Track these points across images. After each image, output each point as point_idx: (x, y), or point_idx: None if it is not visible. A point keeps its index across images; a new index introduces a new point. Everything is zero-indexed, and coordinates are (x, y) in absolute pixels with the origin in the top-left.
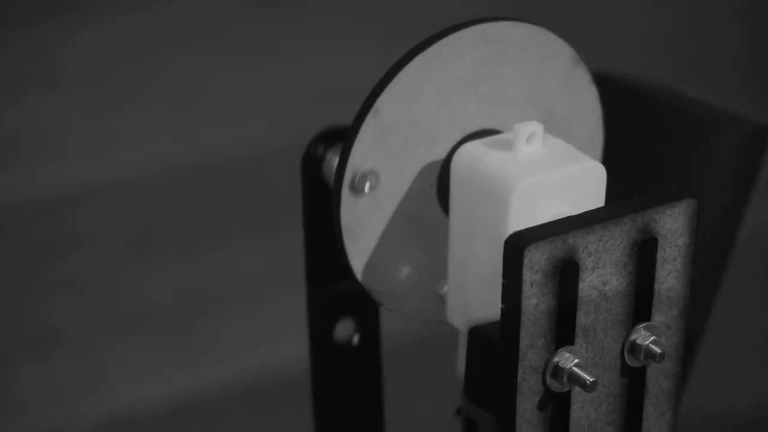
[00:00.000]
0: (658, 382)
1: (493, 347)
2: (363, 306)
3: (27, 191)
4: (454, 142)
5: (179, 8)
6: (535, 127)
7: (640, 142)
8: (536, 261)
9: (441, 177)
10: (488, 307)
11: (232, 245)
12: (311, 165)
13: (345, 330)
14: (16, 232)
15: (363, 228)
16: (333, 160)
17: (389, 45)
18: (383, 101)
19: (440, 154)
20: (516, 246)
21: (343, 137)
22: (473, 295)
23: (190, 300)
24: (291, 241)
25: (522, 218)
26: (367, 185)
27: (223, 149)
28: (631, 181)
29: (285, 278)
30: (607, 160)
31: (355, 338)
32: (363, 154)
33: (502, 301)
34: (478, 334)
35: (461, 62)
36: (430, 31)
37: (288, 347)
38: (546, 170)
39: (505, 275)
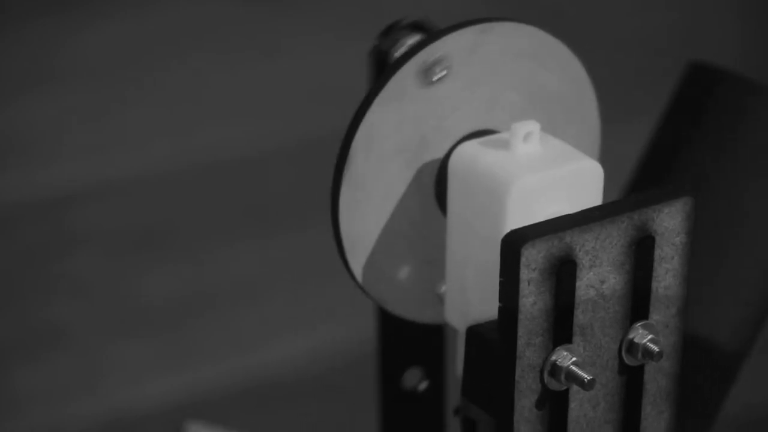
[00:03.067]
0: (655, 381)
1: (491, 346)
2: (430, 353)
3: (27, 191)
4: (452, 142)
5: (179, 8)
6: (532, 127)
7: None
8: (533, 259)
9: (439, 177)
10: (486, 306)
11: (232, 245)
12: (380, 57)
13: (413, 377)
14: (15, 232)
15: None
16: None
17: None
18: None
19: (438, 154)
20: (513, 244)
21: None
22: (471, 294)
23: (189, 300)
24: (290, 241)
25: (519, 217)
26: (439, 73)
27: (223, 149)
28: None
29: (285, 278)
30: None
31: (423, 385)
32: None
33: (500, 300)
34: (475, 333)
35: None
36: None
37: (287, 347)
38: (543, 169)
39: (502, 273)
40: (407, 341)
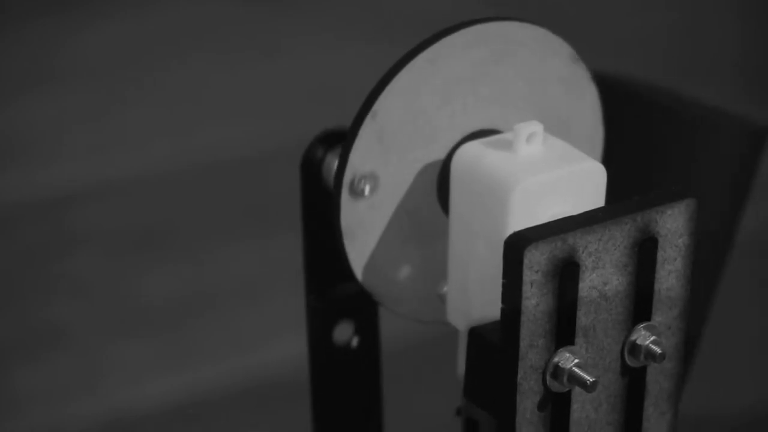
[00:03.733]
0: (658, 383)
1: (493, 347)
2: (362, 309)
3: (27, 191)
4: (454, 142)
5: (179, 8)
6: (535, 127)
7: (640, 143)
8: (536, 261)
9: (441, 177)
10: (488, 307)
11: (232, 245)
12: (310, 167)
13: (344, 333)
14: (15, 232)
15: (363, 229)
16: (332, 162)
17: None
18: (381, 104)
19: (440, 154)
20: (516, 246)
21: (342, 140)
22: (473, 295)
23: (189, 300)
24: (290, 241)
25: (522, 218)
26: (367, 188)
27: (223, 149)
28: (631, 182)
29: (284, 278)
30: (607, 161)
31: (355, 341)
32: (362, 157)
33: (502, 301)
34: (478, 334)
35: (460, 63)
36: (430, 30)
37: (287, 347)
38: (546, 170)
39: (505, 275)
40: (337, 296)
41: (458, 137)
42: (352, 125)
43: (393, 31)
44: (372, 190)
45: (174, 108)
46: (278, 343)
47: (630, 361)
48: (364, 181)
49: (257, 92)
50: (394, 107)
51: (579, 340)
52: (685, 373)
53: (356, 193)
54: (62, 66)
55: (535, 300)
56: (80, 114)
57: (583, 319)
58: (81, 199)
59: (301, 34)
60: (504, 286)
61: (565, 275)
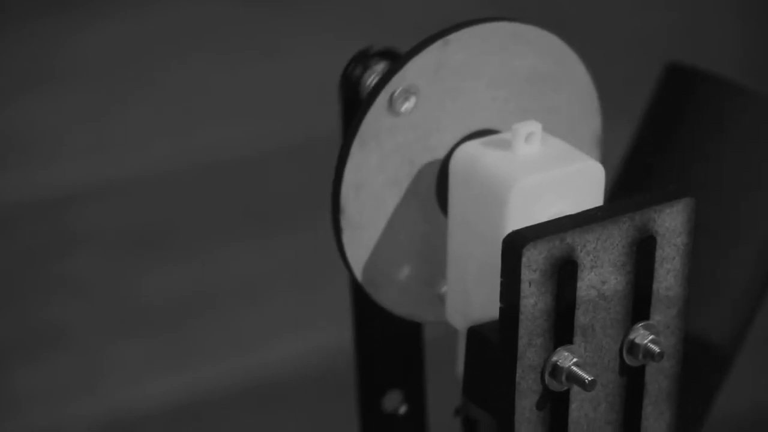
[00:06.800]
0: (656, 382)
1: (492, 346)
2: (410, 375)
3: (27, 191)
4: (453, 142)
5: (179, 8)
6: (534, 127)
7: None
8: (534, 260)
9: (440, 177)
10: (487, 306)
11: (232, 245)
12: (350, 86)
13: (393, 400)
14: (15, 232)
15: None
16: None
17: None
18: (457, 38)
19: (439, 154)
20: (514, 245)
21: (383, 58)
22: (472, 294)
23: (189, 300)
24: (290, 241)
25: (520, 217)
26: (406, 105)
27: (223, 149)
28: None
29: (284, 278)
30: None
31: (403, 409)
32: (414, 73)
33: (501, 301)
34: (476, 334)
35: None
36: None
37: (287, 347)
38: (544, 169)
39: (503, 274)
40: (386, 363)
41: (457, 137)
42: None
43: (393, 31)
44: (409, 110)
45: (174, 108)
46: (278, 343)
47: (629, 360)
48: (405, 94)
49: (257, 92)
50: (460, 51)
51: (577, 339)
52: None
53: (395, 107)
54: (62, 66)
55: (534, 299)
56: (80, 114)
57: (581, 318)
58: (81, 199)
59: (301, 34)
60: (502, 285)
61: (564, 274)
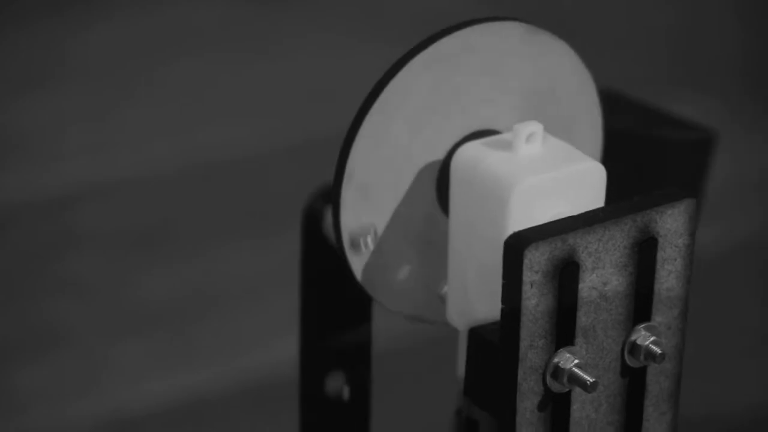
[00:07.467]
0: (658, 383)
1: (493, 348)
2: (354, 360)
3: (27, 191)
4: (453, 143)
5: (179, 8)
6: (535, 127)
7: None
8: (536, 261)
9: (440, 178)
10: (488, 307)
11: (232, 245)
12: (311, 222)
13: (335, 382)
14: (16, 232)
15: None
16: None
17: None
18: (354, 161)
19: (439, 155)
20: (516, 246)
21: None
22: (473, 295)
23: (189, 300)
24: (290, 241)
25: (522, 218)
26: (369, 240)
27: (223, 149)
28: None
29: (284, 278)
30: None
31: (346, 392)
32: (352, 217)
33: (502, 302)
34: (478, 335)
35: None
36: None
37: (287, 348)
38: (546, 170)
39: (504, 275)
40: (329, 345)
41: (457, 138)
42: (332, 189)
43: (393, 32)
44: (374, 240)
45: (174, 108)
46: (278, 344)
47: (630, 362)
48: (362, 238)
49: (257, 92)
50: (368, 159)
51: (579, 340)
52: None
53: (358, 248)
54: (62, 66)
55: (535, 300)
56: (80, 114)
57: (583, 319)
58: (81, 199)
59: (301, 34)
60: (504, 286)
61: (565, 275)
